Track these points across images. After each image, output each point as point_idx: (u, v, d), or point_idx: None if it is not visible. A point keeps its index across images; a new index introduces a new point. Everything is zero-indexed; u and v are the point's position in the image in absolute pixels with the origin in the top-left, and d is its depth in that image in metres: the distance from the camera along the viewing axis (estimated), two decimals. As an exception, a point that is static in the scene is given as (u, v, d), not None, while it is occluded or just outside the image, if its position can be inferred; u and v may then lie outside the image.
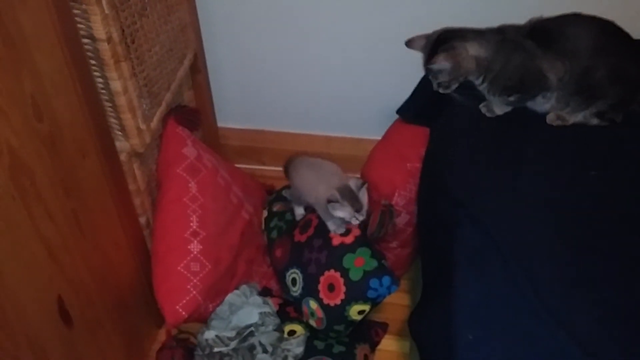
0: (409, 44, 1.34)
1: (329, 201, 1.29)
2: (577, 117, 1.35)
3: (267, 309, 1.43)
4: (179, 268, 1.35)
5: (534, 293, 0.97)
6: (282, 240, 1.54)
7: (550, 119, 1.36)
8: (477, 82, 1.32)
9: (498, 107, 1.39)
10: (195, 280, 1.35)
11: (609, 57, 1.28)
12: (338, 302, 1.37)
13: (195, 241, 1.38)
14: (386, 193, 1.51)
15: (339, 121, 1.94)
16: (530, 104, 1.37)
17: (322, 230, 1.42)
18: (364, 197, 1.32)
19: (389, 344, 1.55)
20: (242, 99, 1.93)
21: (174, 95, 1.51)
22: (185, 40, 1.54)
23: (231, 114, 1.97)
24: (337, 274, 1.36)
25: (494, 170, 1.27)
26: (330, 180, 1.35)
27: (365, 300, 1.36)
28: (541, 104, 1.35)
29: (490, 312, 0.97)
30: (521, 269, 1.01)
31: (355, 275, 1.34)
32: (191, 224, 1.39)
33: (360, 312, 1.39)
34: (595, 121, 1.34)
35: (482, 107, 1.41)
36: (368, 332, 1.53)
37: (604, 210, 1.14)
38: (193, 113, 1.56)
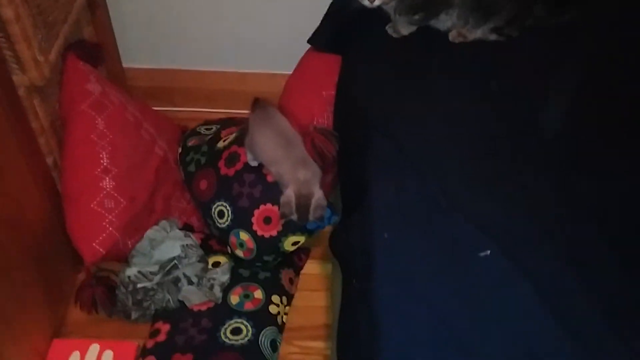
0: None
1: (282, 214, 1.27)
2: (477, 34, 1.40)
3: (189, 241, 1.42)
4: (92, 206, 1.31)
5: (442, 192, 1.03)
6: (205, 172, 1.51)
7: (452, 36, 1.41)
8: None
9: (404, 27, 1.42)
10: (110, 217, 1.32)
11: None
12: (274, 233, 1.40)
13: (107, 178, 1.34)
14: (304, 122, 1.52)
15: (253, 56, 1.91)
16: (433, 22, 1.42)
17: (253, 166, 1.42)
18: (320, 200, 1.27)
19: (312, 268, 1.59)
20: (148, 36, 1.85)
21: (73, 30, 1.42)
22: (79, -31, 1.45)
23: (137, 52, 1.89)
24: (275, 208, 1.37)
25: (402, 87, 1.31)
26: (296, 165, 1.28)
27: (303, 231, 1.41)
28: (444, 21, 1.40)
29: (402, 213, 1.03)
30: (431, 175, 1.07)
31: None
32: (101, 161, 1.35)
33: (294, 243, 1.43)
34: (493, 37, 1.41)
35: (389, 28, 1.44)
36: (292, 257, 1.56)
37: (502, 117, 1.22)
38: (94, 48, 1.49)
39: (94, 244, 1.29)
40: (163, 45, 1.88)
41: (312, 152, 1.35)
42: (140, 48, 1.88)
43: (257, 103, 1.42)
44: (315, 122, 1.50)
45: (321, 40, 1.58)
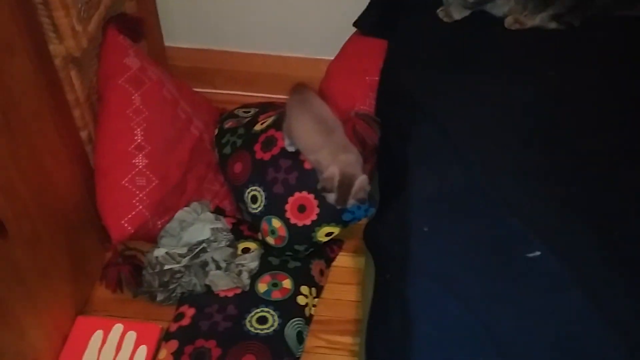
0: None
1: (323, 189, 1.21)
2: (535, 21, 1.31)
3: (219, 225, 1.38)
4: (123, 182, 1.28)
5: (489, 184, 0.95)
6: (240, 155, 1.46)
7: (508, 22, 1.32)
8: None
9: (457, 11, 1.34)
10: (141, 195, 1.29)
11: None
12: (308, 222, 1.35)
13: (141, 155, 1.31)
14: (345, 108, 1.45)
15: (296, 40, 1.85)
16: (489, 7, 1.33)
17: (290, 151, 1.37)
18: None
19: (344, 261, 1.53)
20: (191, 15, 1.81)
21: (114, 3, 1.40)
22: (123, -59, 1.42)
23: (179, 31, 1.85)
24: (311, 196, 1.33)
25: (451, 73, 1.24)
26: (337, 152, 1.22)
27: (338, 222, 1.35)
28: (500, 6, 1.31)
29: (444, 204, 0.95)
30: (479, 165, 0.98)
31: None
32: (135, 137, 1.32)
33: (328, 234, 1.37)
34: (553, 25, 1.31)
35: (440, 12, 1.36)
36: (324, 248, 1.50)
37: (560, 108, 1.13)
38: (135, 22, 1.45)
39: (122, 222, 1.26)
40: (206, 26, 1.84)
41: (353, 139, 1.29)
42: (183, 27, 1.84)
43: (296, 87, 1.36)
44: (356, 108, 1.43)
45: (367, 23, 1.52)
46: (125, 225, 1.26)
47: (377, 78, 1.44)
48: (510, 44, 1.29)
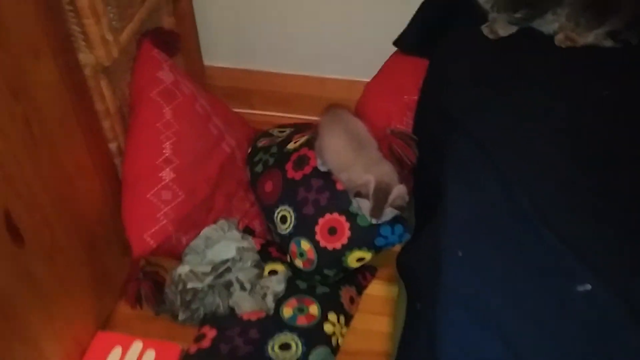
0: None
1: (357, 193, 1.15)
2: (589, 38, 1.22)
3: (245, 244, 1.33)
4: (148, 196, 1.25)
5: (533, 206, 0.85)
6: (271, 173, 1.42)
7: (559, 39, 1.24)
8: None
9: (502, 27, 1.27)
10: (166, 209, 1.25)
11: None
12: (338, 246, 1.28)
13: (168, 169, 1.27)
14: (381, 126, 1.39)
15: (334, 61, 1.81)
16: (537, 23, 1.25)
17: (322, 171, 1.32)
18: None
19: (376, 289, 1.45)
20: (231, 35, 1.80)
21: (151, 17, 1.39)
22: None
23: (218, 51, 1.84)
24: (342, 218, 1.27)
25: (495, 90, 1.15)
26: (369, 166, 1.17)
27: (370, 247, 1.28)
28: (550, 22, 1.23)
29: (482, 226, 0.87)
30: (520, 185, 0.89)
31: (365, 221, 1.25)
32: (164, 150, 1.28)
33: (359, 260, 1.30)
34: (608, 43, 1.22)
35: (484, 28, 1.29)
36: (355, 274, 1.42)
37: (615, 129, 1.03)
38: (171, 36, 1.44)
39: (145, 235, 1.22)
40: (244, 45, 1.82)
41: (389, 158, 1.23)
42: (222, 46, 1.83)
43: (330, 106, 1.31)
44: (392, 126, 1.36)
45: (407, 42, 1.47)
46: (148, 239, 1.22)
47: (415, 97, 1.38)
48: (559, 62, 1.20)
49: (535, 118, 1.04)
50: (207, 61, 1.86)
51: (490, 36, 1.27)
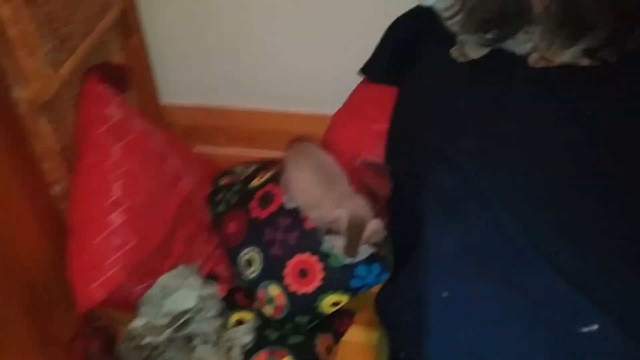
0: None
1: (329, 231, 1.06)
2: (564, 57, 1.16)
3: (208, 291, 1.21)
4: (95, 242, 1.12)
5: (524, 237, 0.76)
6: (235, 213, 1.32)
7: (533, 60, 1.17)
8: (451, 13, 1.13)
9: (472, 50, 1.20)
10: (115, 256, 1.13)
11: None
12: (310, 289, 1.18)
13: (117, 211, 1.16)
14: (350, 157, 1.31)
15: (298, 95, 1.73)
16: (509, 44, 1.18)
17: (290, 208, 1.22)
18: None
19: (355, 335, 1.33)
20: (189, 71, 1.70)
21: (98, 50, 1.30)
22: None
23: (177, 88, 1.74)
24: (314, 259, 1.17)
25: (470, 115, 1.07)
26: (341, 201, 1.08)
27: (345, 290, 1.17)
28: (522, 42, 1.16)
29: (469, 262, 0.76)
30: (506, 210, 0.80)
31: (338, 261, 1.15)
32: (112, 192, 1.17)
33: (334, 304, 1.20)
34: (585, 61, 1.16)
35: (454, 51, 1.22)
36: (332, 320, 1.30)
37: (605, 150, 0.95)
38: (121, 70, 1.35)
39: (92, 286, 1.10)
40: (204, 81, 1.72)
41: (362, 191, 1.13)
42: (180, 83, 1.73)
43: (296, 139, 1.22)
44: (362, 157, 1.27)
45: (374, 70, 1.39)
46: (96, 290, 1.10)
47: (385, 126, 1.29)
48: (537, 82, 1.13)
49: (518, 142, 0.96)
50: (165, 99, 1.76)
51: (460, 59, 1.20)
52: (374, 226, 1.03)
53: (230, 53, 1.65)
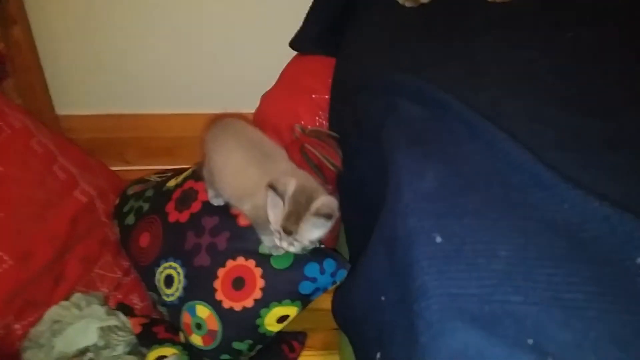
0: None
1: (271, 186, 0.81)
2: None
3: (112, 322, 0.92)
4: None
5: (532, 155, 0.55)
6: (147, 222, 1.07)
7: None
8: None
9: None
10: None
11: None
12: (249, 303, 0.94)
13: (-15, 224, 0.88)
14: (287, 126, 1.10)
15: (216, 95, 1.51)
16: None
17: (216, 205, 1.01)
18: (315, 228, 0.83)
19: (310, 362, 1.08)
20: (85, 78, 1.46)
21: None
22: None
23: (73, 96, 1.49)
24: (251, 263, 0.94)
25: (441, 45, 0.91)
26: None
27: (294, 298, 0.94)
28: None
29: (459, 196, 0.54)
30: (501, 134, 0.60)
31: (281, 263, 0.93)
32: (-21, 200, 0.89)
33: (281, 320, 0.96)
34: None
35: (400, -1, 1.05)
36: (279, 345, 1.06)
37: (585, 69, 0.81)
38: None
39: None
40: (103, 88, 1.48)
41: (304, 164, 0.90)
42: (77, 91, 1.48)
43: (216, 118, 0.99)
44: (302, 125, 1.06)
45: (306, 41, 1.26)
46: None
47: (326, 96, 1.09)
48: (508, 11, 0.98)
49: (497, 66, 0.80)
50: (62, 110, 1.49)
51: (407, 4, 1.02)
52: (326, 200, 0.79)
53: (134, 54, 1.43)
